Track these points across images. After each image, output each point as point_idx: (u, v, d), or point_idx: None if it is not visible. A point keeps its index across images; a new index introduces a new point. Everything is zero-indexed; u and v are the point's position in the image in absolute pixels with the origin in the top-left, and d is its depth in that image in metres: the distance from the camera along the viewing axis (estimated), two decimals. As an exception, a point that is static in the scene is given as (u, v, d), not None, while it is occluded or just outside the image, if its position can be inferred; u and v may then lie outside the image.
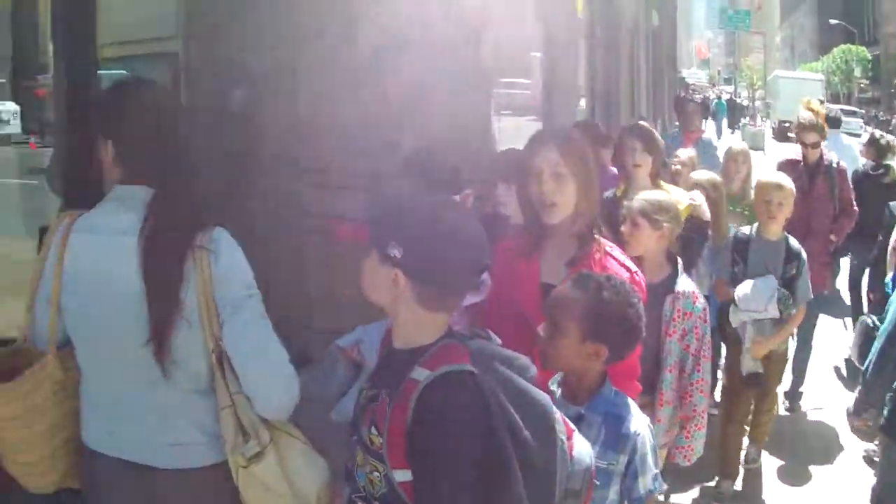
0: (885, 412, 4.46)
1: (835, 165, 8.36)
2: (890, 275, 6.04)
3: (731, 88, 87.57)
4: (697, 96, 51.29)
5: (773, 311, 5.96)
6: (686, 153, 8.10)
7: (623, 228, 4.74)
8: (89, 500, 3.16)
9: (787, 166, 8.20)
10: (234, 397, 2.96)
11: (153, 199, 3.02)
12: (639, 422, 3.18)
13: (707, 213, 6.19)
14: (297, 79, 6.52)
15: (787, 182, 6.33)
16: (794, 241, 6.33)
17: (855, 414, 4.74)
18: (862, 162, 10.65)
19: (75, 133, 3.84)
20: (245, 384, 2.95)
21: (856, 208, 8.38)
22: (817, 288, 7.20)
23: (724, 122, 54.55)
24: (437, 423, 2.41)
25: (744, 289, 5.99)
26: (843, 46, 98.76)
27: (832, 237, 8.31)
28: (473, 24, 6.54)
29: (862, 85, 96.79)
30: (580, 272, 3.28)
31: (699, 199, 6.21)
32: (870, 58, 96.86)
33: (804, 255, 6.29)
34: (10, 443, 3.08)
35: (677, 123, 35.52)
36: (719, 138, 51.53)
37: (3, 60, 8.58)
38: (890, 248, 6.46)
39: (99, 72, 4.42)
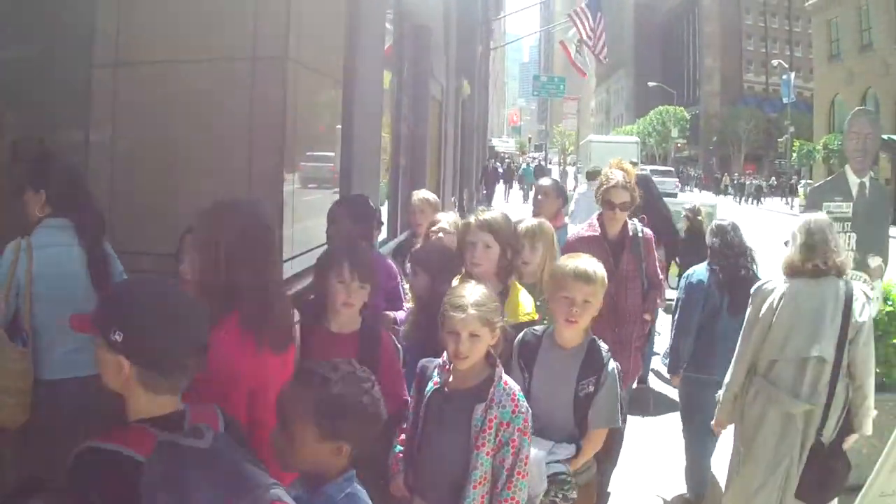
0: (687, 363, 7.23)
1: (640, 234, 7.12)
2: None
3: (541, 154, 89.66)
4: (499, 163, 52.64)
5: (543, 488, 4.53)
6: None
7: (458, 346, 4.12)
8: (55, 416, 4.97)
9: (584, 244, 6.62)
10: None
11: (78, 225, 5.32)
12: None
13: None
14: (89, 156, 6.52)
15: (598, 270, 4.91)
16: (600, 347, 4.90)
17: (671, 372, 7.52)
18: None
19: None
20: None
21: (662, 278, 7.63)
22: (630, 377, 6.98)
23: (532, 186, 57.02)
24: (68, 490, 2.56)
25: None
26: (660, 108, 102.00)
27: (646, 317, 7.25)
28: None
29: (679, 144, 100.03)
30: (304, 366, 3.19)
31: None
32: (688, 117, 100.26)
33: (612, 365, 4.84)
34: (10, 388, 4.99)
35: (485, 191, 36.32)
36: (525, 202, 53.56)
37: None
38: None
39: None
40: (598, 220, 7.17)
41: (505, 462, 4.03)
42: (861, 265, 7.76)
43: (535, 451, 4.43)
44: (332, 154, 8.44)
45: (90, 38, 6.67)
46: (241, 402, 3.64)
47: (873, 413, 5.78)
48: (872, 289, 7.70)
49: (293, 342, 4.21)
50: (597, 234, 7.06)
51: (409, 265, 5.66)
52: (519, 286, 5.40)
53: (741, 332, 6.02)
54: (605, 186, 7.05)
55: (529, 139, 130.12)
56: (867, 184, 7.77)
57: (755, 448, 5.88)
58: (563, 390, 4.80)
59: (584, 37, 40.04)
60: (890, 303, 7.96)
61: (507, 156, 77.24)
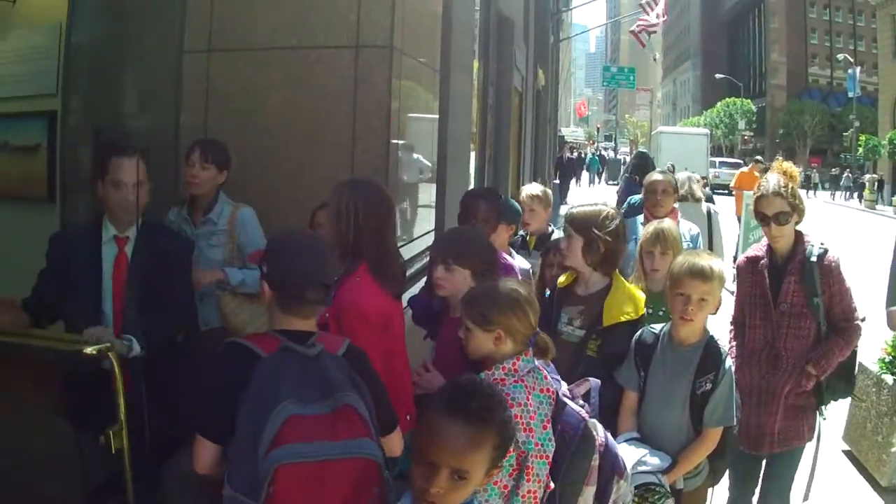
0: None
1: (814, 258, 5.47)
2: None
3: (611, 145, 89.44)
4: (570, 153, 52.66)
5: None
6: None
7: (460, 333, 4.05)
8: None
9: (747, 266, 5.79)
10: None
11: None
12: None
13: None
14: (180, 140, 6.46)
15: (716, 267, 4.72)
16: (718, 345, 4.75)
17: None
18: None
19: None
20: None
21: (858, 322, 5.56)
22: (788, 442, 5.53)
23: (598, 175, 57.68)
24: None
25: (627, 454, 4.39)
26: (727, 99, 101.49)
27: (810, 368, 5.44)
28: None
29: (745, 137, 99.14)
30: (453, 390, 2.94)
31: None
32: (754, 110, 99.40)
33: (728, 363, 4.70)
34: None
35: (556, 181, 36.07)
36: (591, 185, 53.69)
37: None
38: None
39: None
40: (765, 233, 5.79)
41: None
42: None
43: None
44: (429, 144, 8.32)
45: (182, 23, 6.67)
46: (376, 333, 4.40)
47: None
48: None
49: (402, 295, 4.93)
50: (759, 253, 5.76)
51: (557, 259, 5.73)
52: (624, 282, 5.11)
53: None
54: (755, 195, 5.71)
55: (598, 129, 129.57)
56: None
57: None
58: (679, 388, 4.70)
59: (651, 17, 39.97)
60: None
61: (576, 145, 77.26)
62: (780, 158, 6.10)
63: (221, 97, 6.57)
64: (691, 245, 7.39)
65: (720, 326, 5.79)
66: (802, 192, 5.77)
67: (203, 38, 6.61)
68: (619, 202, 11.88)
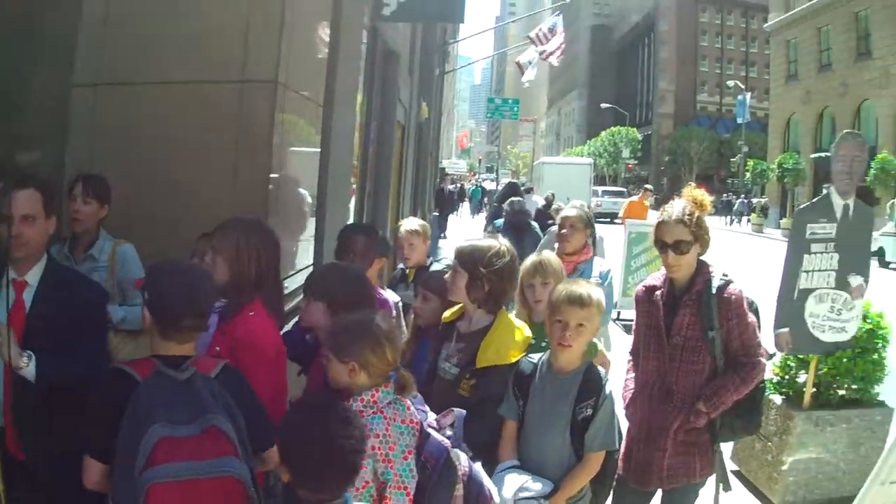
0: None
1: (714, 290, 5.19)
2: None
3: (492, 176, 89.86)
4: (450, 185, 52.80)
5: None
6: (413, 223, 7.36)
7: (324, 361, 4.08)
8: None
9: (643, 295, 5.54)
10: None
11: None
12: None
13: None
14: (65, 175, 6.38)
15: (594, 294, 4.78)
16: (598, 371, 4.81)
17: None
18: None
19: None
20: None
21: (761, 359, 5.27)
22: (676, 479, 5.28)
23: (480, 206, 58.09)
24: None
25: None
26: (611, 129, 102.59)
27: (700, 406, 5.15)
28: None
29: (629, 165, 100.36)
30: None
31: None
32: (639, 138, 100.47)
33: (608, 388, 4.74)
34: None
35: (436, 213, 36.03)
36: (473, 217, 53.92)
37: None
38: None
39: None
40: (663, 261, 5.46)
41: None
42: (842, 285, 7.82)
43: (505, 488, 4.45)
44: (311, 178, 8.39)
45: (71, 57, 6.61)
46: (272, 366, 4.44)
47: None
48: (852, 308, 7.86)
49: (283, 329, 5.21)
50: (657, 283, 5.50)
51: (420, 290, 5.87)
52: (509, 322, 5.06)
53: None
54: (658, 220, 5.38)
55: (480, 161, 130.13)
56: (851, 206, 7.72)
57: None
58: (559, 415, 4.73)
59: (539, 42, 40.02)
60: (869, 321, 8.16)
61: (456, 177, 77.68)
62: (693, 185, 5.54)
63: (108, 131, 6.54)
64: (601, 282, 7.28)
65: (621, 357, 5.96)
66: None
67: (91, 71, 6.56)
68: (485, 228, 15.51)
